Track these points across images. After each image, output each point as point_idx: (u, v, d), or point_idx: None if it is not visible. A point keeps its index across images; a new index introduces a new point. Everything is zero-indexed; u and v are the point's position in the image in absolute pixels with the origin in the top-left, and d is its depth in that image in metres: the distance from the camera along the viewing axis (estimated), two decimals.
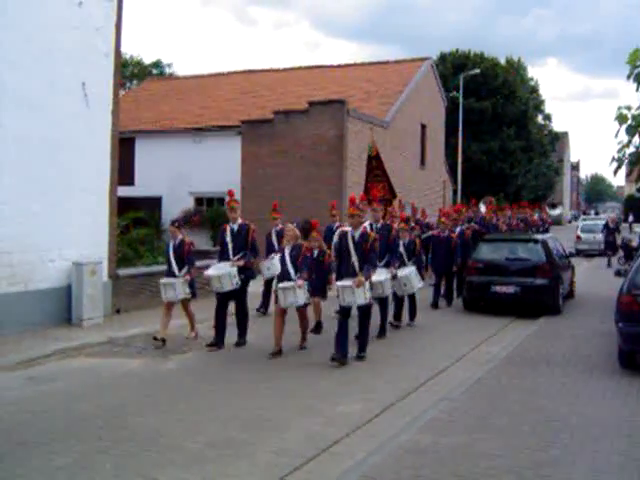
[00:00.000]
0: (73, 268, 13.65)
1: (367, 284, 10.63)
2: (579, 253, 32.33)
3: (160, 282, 12.36)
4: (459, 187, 40.58)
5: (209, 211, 28.54)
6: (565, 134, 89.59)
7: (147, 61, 63.03)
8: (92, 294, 13.67)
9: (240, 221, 12.08)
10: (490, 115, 54.13)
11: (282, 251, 11.77)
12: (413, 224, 21.12)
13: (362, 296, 10.59)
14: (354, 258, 10.80)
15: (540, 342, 12.95)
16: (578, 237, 36.23)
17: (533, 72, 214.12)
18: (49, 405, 8.54)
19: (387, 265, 12.74)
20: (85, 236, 14.09)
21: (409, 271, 14.05)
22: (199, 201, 29.86)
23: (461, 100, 42.29)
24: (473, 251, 18.06)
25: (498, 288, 16.17)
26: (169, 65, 64.31)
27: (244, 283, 11.99)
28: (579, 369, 10.74)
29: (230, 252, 11.89)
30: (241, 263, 11.79)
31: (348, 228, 11.34)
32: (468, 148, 48.91)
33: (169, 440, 7.25)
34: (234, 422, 7.87)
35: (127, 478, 6.28)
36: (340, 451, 7.06)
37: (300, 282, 11.11)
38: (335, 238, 12.91)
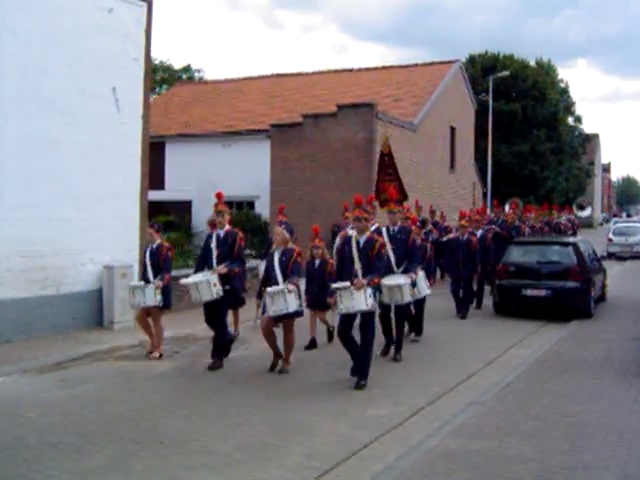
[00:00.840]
0: (104, 271, 13.77)
1: (369, 290, 9.35)
2: (611, 256, 32.02)
3: (128, 285, 11.83)
4: (489, 190, 40.34)
5: (238, 214, 28.67)
6: (596, 136, 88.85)
7: (177, 66, 63.53)
8: (123, 297, 13.76)
9: (228, 227, 10.98)
10: (520, 117, 53.84)
11: (270, 256, 10.57)
12: (430, 227, 20.69)
13: (363, 301, 9.29)
14: (357, 266, 9.55)
15: (571, 346, 12.84)
16: (610, 240, 35.88)
17: (562, 73, 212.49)
18: (81, 407, 8.62)
19: (406, 272, 11.31)
20: (116, 240, 14.21)
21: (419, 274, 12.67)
22: (229, 205, 29.95)
23: (491, 102, 42.06)
24: (495, 255, 17.94)
25: (529, 291, 16.04)
26: (199, 70, 64.77)
27: (228, 295, 10.85)
28: (611, 373, 10.63)
29: (214, 260, 10.77)
30: (224, 271, 10.61)
31: (352, 232, 10.50)
32: (498, 151, 48.67)
33: (200, 443, 7.28)
34: (264, 425, 7.88)
35: None
36: (370, 455, 7.04)
37: (291, 286, 9.83)
38: (337, 241, 12.41)
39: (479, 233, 18.25)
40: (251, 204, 28.96)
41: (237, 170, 28.51)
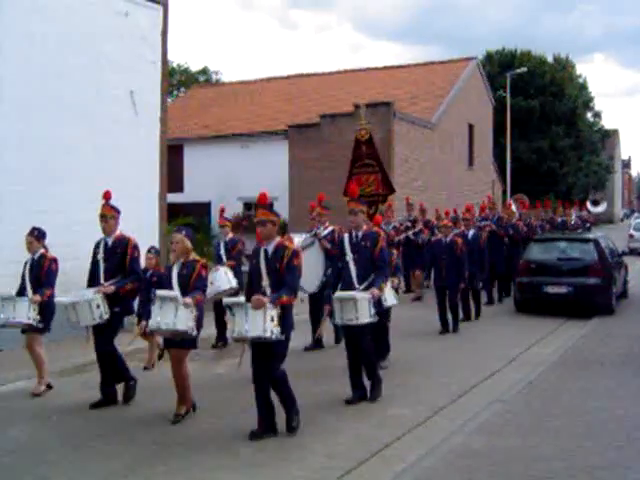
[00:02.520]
0: None
1: (273, 312, 7.26)
2: (632, 252, 31.77)
3: None
4: (508, 187, 40.17)
5: None
6: (615, 131, 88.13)
7: (194, 69, 63.73)
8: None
9: (118, 233, 9.17)
10: (538, 114, 53.53)
11: (167, 270, 8.41)
12: (421, 227, 18.99)
13: (261, 326, 7.19)
14: (266, 282, 7.57)
15: (593, 343, 12.76)
16: (631, 235, 35.62)
17: (580, 69, 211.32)
18: (102, 410, 8.65)
19: (369, 287, 8.87)
20: None
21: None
22: (248, 206, 30.04)
23: (509, 99, 41.87)
24: (490, 256, 16.92)
25: (550, 288, 15.95)
26: (216, 72, 64.92)
27: (116, 319, 8.89)
28: (634, 370, 10.55)
29: (101, 275, 8.91)
30: (110, 290, 8.70)
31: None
32: (517, 148, 48.42)
33: (220, 444, 7.28)
34: (284, 426, 7.87)
35: None
36: (391, 454, 7.02)
37: (188, 300, 7.77)
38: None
39: (470, 233, 16.04)
40: (270, 205, 28.96)
41: (255, 171, 28.55)
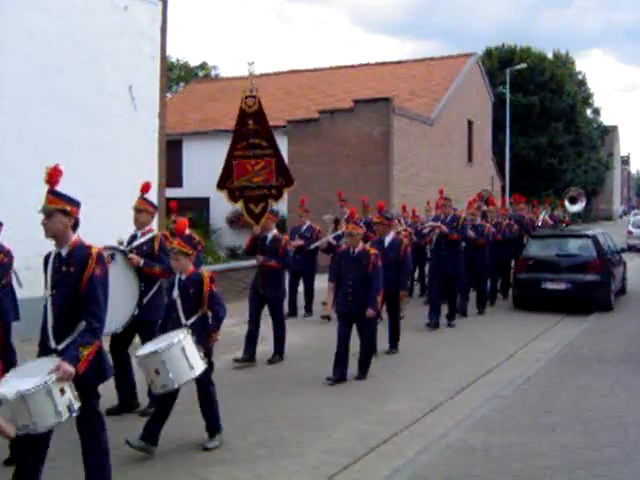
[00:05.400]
0: None
1: None
2: (631, 248, 31.76)
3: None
4: (507, 183, 40.17)
5: None
6: (614, 128, 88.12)
7: (193, 64, 63.74)
8: None
9: None
10: (538, 110, 53.46)
11: None
12: (343, 228, 14.05)
13: None
14: None
15: (592, 339, 12.77)
16: (629, 232, 35.63)
17: (578, 64, 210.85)
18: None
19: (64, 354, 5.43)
20: None
21: (171, 341, 6.71)
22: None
23: (508, 95, 41.84)
24: (437, 264, 14.28)
25: (548, 285, 15.96)
26: (214, 67, 64.98)
27: None
28: (632, 366, 10.57)
29: None
30: None
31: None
32: (516, 144, 48.38)
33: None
34: (283, 421, 7.89)
35: (177, 477, 6.34)
36: (389, 450, 7.03)
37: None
38: None
39: (387, 240, 11.66)
40: None
41: None
